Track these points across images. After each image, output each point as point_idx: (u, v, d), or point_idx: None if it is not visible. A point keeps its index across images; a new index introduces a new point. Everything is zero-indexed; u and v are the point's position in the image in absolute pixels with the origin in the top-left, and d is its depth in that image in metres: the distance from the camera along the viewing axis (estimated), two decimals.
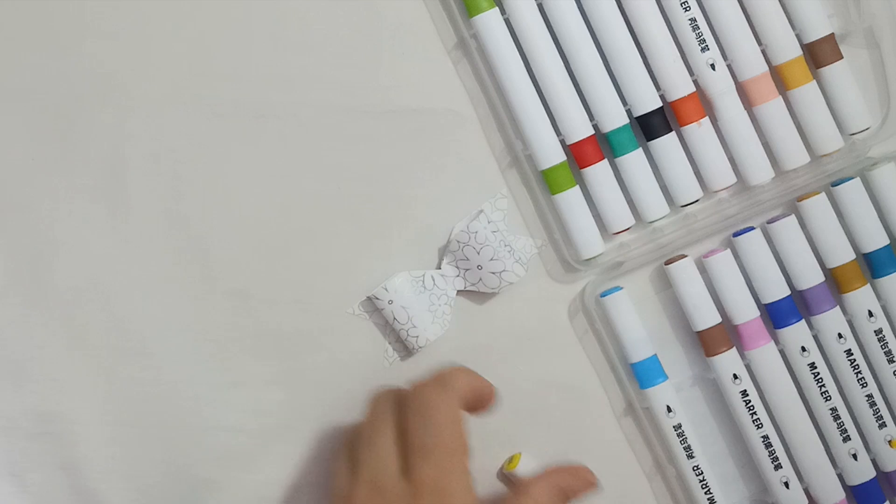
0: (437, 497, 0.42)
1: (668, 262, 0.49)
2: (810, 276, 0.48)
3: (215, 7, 0.48)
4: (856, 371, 0.49)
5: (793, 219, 0.48)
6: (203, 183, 0.49)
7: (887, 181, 0.48)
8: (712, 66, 0.48)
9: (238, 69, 0.48)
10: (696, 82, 0.48)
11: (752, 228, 0.49)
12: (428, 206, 0.49)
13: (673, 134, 0.48)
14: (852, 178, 0.48)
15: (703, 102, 0.48)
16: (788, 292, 0.48)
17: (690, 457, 0.49)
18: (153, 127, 0.48)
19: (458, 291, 0.49)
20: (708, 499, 0.49)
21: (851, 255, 0.48)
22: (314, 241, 0.49)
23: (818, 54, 0.48)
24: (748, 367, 0.49)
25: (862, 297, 0.48)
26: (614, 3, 0.47)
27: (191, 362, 0.49)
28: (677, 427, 0.49)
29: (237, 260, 0.49)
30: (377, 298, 0.48)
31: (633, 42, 0.47)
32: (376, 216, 0.49)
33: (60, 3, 0.48)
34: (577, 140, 0.48)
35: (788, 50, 0.48)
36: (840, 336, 0.48)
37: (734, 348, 0.49)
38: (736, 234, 0.49)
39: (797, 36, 0.48)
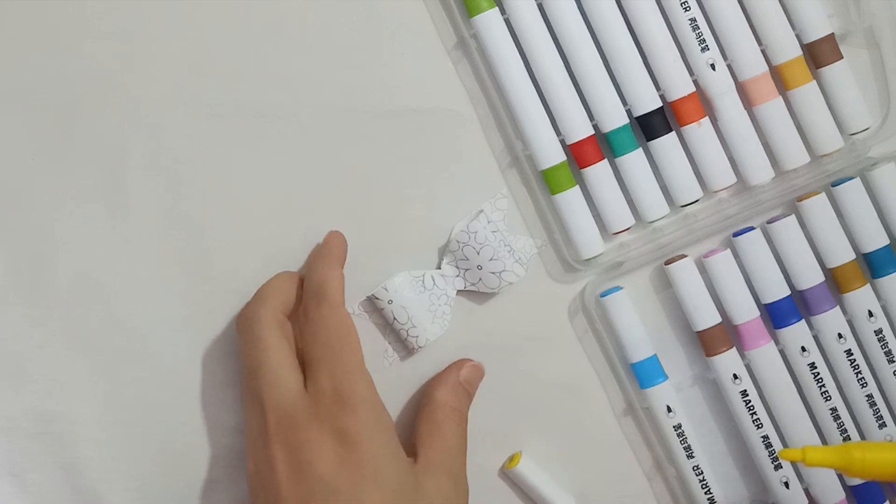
0: (338, 401, 0.43)
1: (668, 262, 0.49)
2: (810, 276, 0.48)
3: (215, 7, 0.48)
4: (856, 371, 0.49)
5: (793, 219, 0.48)
6: (203, 183, 0.49)
7: (887, 181, 0.48)
8: (712, 66, 0.48)
9: (238, 69, 0.48)
10: (696, 82, 0.48)
11: (752, 228, 0.48)
12: (428, 206, 0.49)
13: (673, 134, 0.48)
14: (852, 178, 0.48)
15: (703, 102, 0.48)
16: (788, 292, 0.48)
17: (690, 457, 0.49)
18: (153, 127, 0.48)
19: (458, 291, 0.49)
20: (708, 499, 0.49)
21: (851, 255, 0.48)
22: (314, 241, 0.49)
23: (818, 54, 0.48)
24: (748, 367, 0.49)
25: (862, 297, 0.48)
26: (614, 3, 0.47)
27: (191, 362, 0.49)
28: (677, 427, 0.49)
29: (237, 260, 0.49)
30: (377, 298, 0.48)
31: (633, 42, 0.47)
32: (376, 216, 0.49)
33: (60, 3, 0.48)
34: (577, 140, 0.48)
35: (788, 50, 0.48)
36: (840, 336, 0.48)
37: (734, 348, 0.49)
38: (736, 234, 0.49)
39: (797, 36, 0.48)
